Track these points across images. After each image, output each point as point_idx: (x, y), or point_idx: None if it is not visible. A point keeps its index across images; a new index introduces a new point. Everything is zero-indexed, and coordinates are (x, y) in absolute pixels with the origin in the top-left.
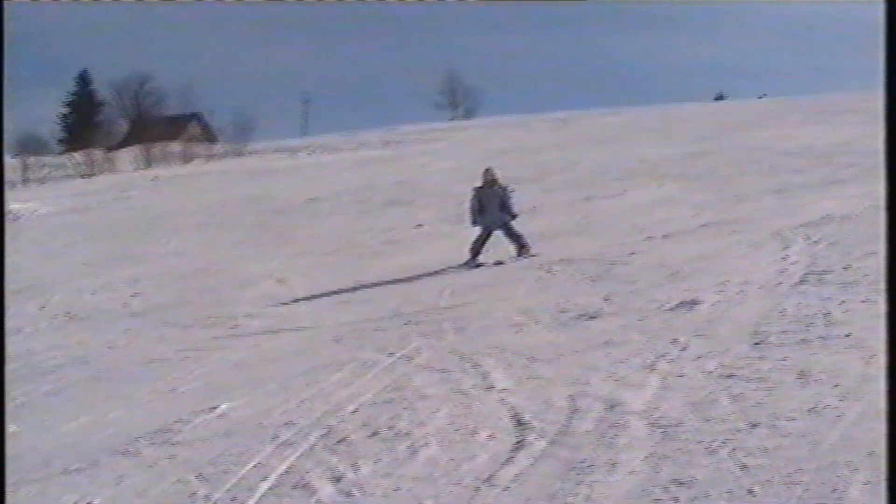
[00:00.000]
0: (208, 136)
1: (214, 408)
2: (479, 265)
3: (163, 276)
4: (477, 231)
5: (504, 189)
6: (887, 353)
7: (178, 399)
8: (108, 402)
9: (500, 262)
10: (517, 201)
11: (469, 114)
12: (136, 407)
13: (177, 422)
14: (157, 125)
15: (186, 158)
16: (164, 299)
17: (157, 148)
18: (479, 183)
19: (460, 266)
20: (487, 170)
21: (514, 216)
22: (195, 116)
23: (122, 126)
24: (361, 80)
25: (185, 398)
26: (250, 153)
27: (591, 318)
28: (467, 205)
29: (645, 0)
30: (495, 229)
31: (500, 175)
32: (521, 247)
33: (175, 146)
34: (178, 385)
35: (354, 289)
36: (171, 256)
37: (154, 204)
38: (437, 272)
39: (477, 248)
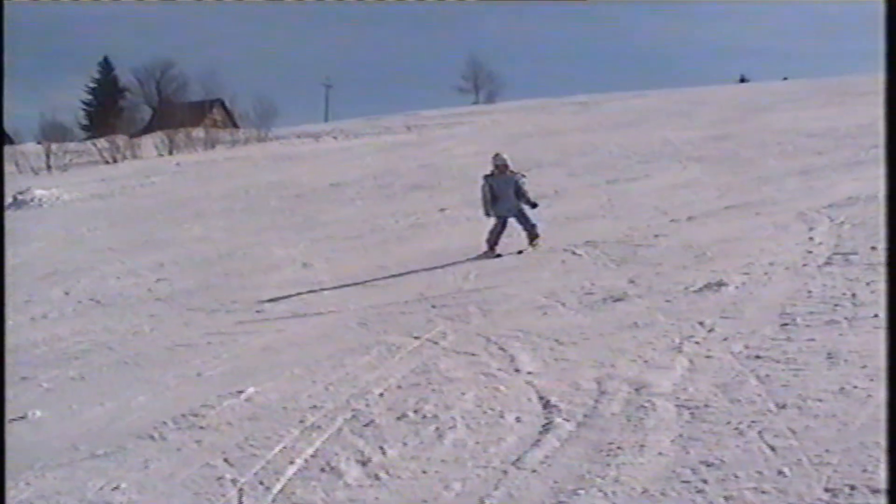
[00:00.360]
0: (231, 121)
1: (240, 392)
2: (498, 256)
3: (187, 262)
4: (491, 222)
5: (516, 174)
6: (887, 353)
7: (203, 383)
8: (134, 386)
9: (521, 252)
10: (530, 187)
11: (491, 98)
12: (161, 392)
13: (203, 406)
14: (180, 111)
15: (209, 144)
16: (188, 284)
17: (181, 134)
18: (488, 170)
19: (477, 258)
20: (497, 155)
21: (533, 204)
22: (218, 102)
23: (146, 112)
24: (384, 66)
25: (211, 382)
26: (273, 139)
27: (617, 300)
28: (479, 194)
29: None
30: (511, 217)
31: (511, 160)
32: (533, 237)
33: (198, 132)
34: (203, 370)
35: (379, 273)
36: (195, 242)
37: (177, 190)
38: (461, 256)
39: (493, 239)
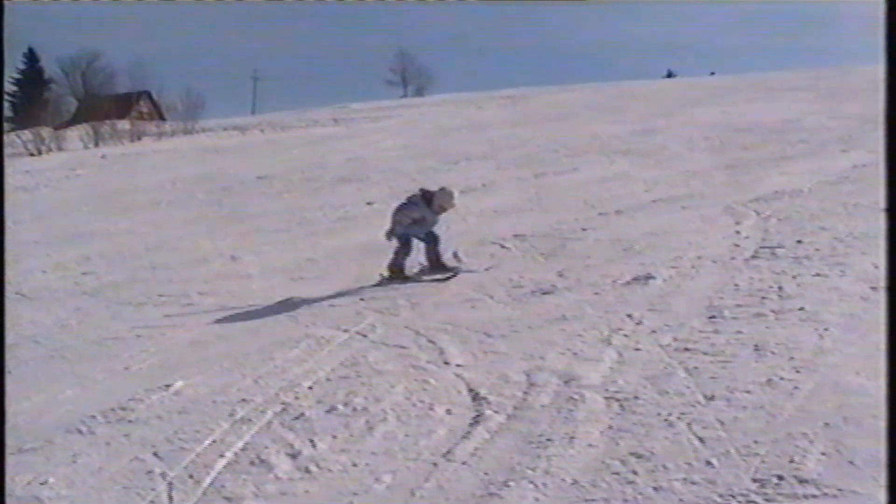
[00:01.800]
0: (158, 114)
1: (169, 385)
2: (406, 278)
3: (114, 255)
4: (392, 244)
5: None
6: (887, 353)
7: (132, 377)
8: (62, 380)
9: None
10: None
11: (420, 91)
12: (89, 385)
13: (131, 400)
14: (107, 103)
15: (136, 136)
16: (116, 278)
17: (107, 126)
18: (427, 193)
19: (374, 287)
20: (448, 193)
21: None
22: (145, 94)
23: (71, 104)
24: (312, 58)
25: (140, 376)
26: (200, 131)
27: (546, 293)
28: (399, 211)
29: None
30: (419, 237)
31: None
32: (438, 259)
33: (124, 124)
34: (131, 363)
35: (307, 266)
36: (122, 235)
37: (104, 182)
38: (389, 248)
39: (400, 261)
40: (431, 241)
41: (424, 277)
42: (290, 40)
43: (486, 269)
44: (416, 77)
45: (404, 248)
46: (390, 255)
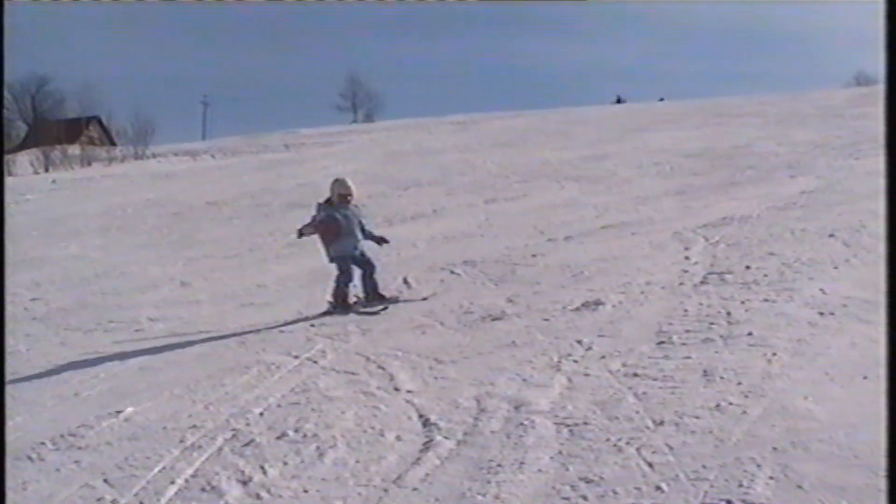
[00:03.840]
0: (108, 139)
1: (119, 412)
2: (351, 305)
3: (63, 280)
4: (330, 271)
5: (358, 207)
6: (887, 352)
7: (81, 404)
8: (10, 407)
9: (373, 310)
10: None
11: (370, 117)
12: (39, 412)
13: (81, 426)
14: (56, 128)
15: (86, 162)
16: (65, 303)
17: (57, 151)
18: (326, 198)
19: (315, 318)
20: (340, 181)
21: (382, 239)
22: (95, 119)
23: (21, 129)
24: (262, 84)
25: (89, 403)
26: (151, 156)
27: (496, 319)
28: (307, 224)
29: (543, 0)
30: (354, 257)
31: (356, 189)
32: (375, 289)
33: (75, 149)
34: (81, 389)
35: (257, 292)
36: (72, 260)
37: (53, 207)
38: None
39: (344, 290)
40: (368, 268)
41: (361, 309)
42: (240, 65)
43: (426, 299)
44: (365, 102)
45: (344, 276)
46: (331, 284)
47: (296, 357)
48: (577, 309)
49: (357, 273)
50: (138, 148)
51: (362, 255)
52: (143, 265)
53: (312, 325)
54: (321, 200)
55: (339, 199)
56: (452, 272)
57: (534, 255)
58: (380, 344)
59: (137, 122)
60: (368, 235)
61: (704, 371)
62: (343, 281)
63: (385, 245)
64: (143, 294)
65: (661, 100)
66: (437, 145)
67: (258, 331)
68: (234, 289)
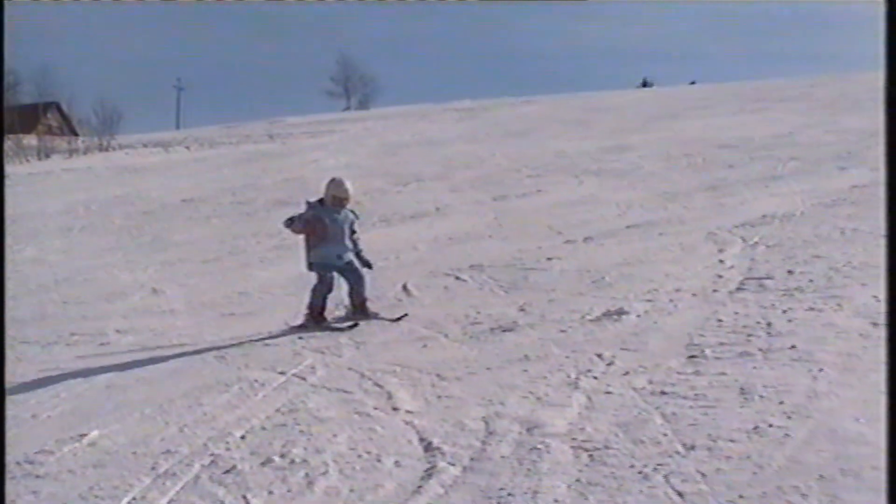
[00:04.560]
0: (69, 128)
1: (83, 435)
2: (324, 322)
3: (19, 288)
4: (312, 278)
5: (354, 213)
6: (887, 351)
7: (40, 426)
8: None
9: (353, 324)
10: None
11: (364, 103)
12: None
13: (40, 452)
14: (10, 116)
15: (44, 153)
16: (21, 314)
17: (10, 142)
18: (317, 197)
19: (293, 331)
20: (338, 181)
21: (367, 262)
22: (53, 106)
23: None
24: (243, 67)
25: (49, 425)
26: (118, 147)
27: (506, 330)
28: (295, 225)
29: None
30: (339, 267)
31: (353, 190)
32: (361, 301)
33: (31, 139)
34: (39, 411)
35: (239, 300)
36: (29, 264)
37: (7, 205)
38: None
39: (320, 302)
40: (354, 277)
41: (336, 325)
42: (219, 45)
43: (399, 318)
44: (359, 87)
45: (322, 286)
46: (307, 295)
47: (282, 373)
48: (598, 319)
49: (339, 284)
50: (103, 138)
51: (348, 264)
52: (109, 270)
53: (300, 338)
54: (312, 199)
55: (332, 201)
56: (457, 278)
57: (548, 259)
58: (376, 358)
59: (102, 109)
60: (355, 250)
61: (741, 389)
62: (320, 291)
63: (374, 259)
64: (110, 303)
65: (693, 83)
66: (440, 135)
67: (240, 344)
68: (212, 297)
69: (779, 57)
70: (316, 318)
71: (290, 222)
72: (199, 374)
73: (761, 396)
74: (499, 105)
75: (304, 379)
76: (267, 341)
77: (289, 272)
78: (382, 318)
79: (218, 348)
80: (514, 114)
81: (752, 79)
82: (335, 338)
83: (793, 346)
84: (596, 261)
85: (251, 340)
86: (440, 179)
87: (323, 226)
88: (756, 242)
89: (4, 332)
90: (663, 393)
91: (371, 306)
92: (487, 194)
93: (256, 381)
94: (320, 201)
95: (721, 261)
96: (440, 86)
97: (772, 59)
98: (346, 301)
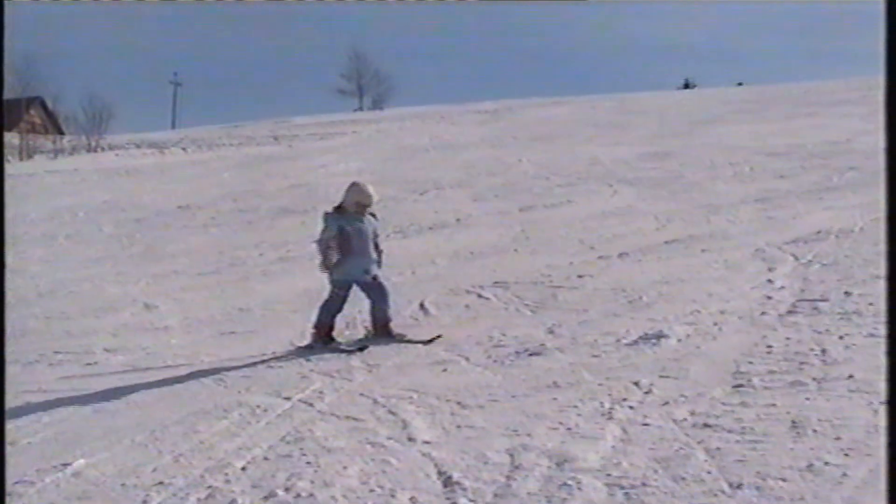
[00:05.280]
0: (54, 125)
1: (67, 465)
2: (332, 342)
3: None
4: (325, 291)
5: (375, 219)
6: (887, 352)
7: (20, 454)
8: None
9: (362, 348)
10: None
11: (378, 103)
12: None
13: (19, 483)
14: None
15: (27, 153)
16: None
17: None
18: (336, 204)
19: (299, 352)
20: (359, 186)
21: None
22: (37, 101)
23: None
24: (246, 61)
25: (30, 453)
26: (108, 148)
27: (533, 354)
28: (316, 241)
29: None
30: (362, 283)
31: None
32: (385, 322)
33: (12, 137)
34: (19, 437)
35: (239, 317)
36: (9, 275)
37: None
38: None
39: (329, 320)
40: (378, 294)
41: (345, 347)
42: (220, 37)
43: (431, 342)
44: (373, 85)
45: (334, 302)
46: (315, 312)
47: (287, 398)
48: (634, 343)
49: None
50: (92, 137)
51: (374, 277)
52: (97, 283)
53: (307, 360)
54: (329, 210)
55: (356, 208)
56: (480, 296)
57: (580, 276)
58: (390, 383)
59: (91, 106)
60: (379, 255)
61: (793, 422)
62: (330, 309)
63: (389, 274)
64: (98, 318)
65: (740, 84)
66: (461, 139)
67: (240, 365)
68: (210, 313)
69: (835, 56)
70: (324, 337)
71: (327, 265)
72: (196, 398)
73: (815, 431)
74: (525, 106)
75: (310, 405)
76: (270, 363)
77: (294, 287)
78: (410, 341)
79: (216, 370)
80: (542, 116)
81: (805, 80)
82: (345, 360)
83: (850, 376)
84: (632, 278)
85: (253, 362)
86: (461, 187)
87: (347, 238)
88: (809, 260)
89: (4, 333)
90: (707, 425)
91: (396, 327)
92: (513, 204)
93: (258, 406)
94: (338, 208)
95: (770, 280)
96: (461, 85)
97: (827, 59)
98: (367, 321)
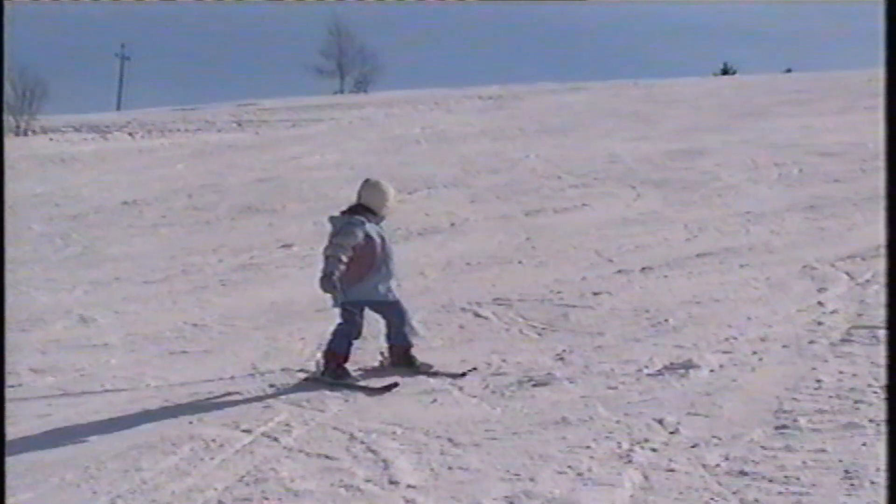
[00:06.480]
0: None
1: None
2: (351, 381)
3: None
4: (336, 313)
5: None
6: (888, 352)
7: None
8: None
9: (387, 386)
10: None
11: (362, 85)
12: None
13: None
14: None
15: None
16: None
17: None
18: (356, 203)
19: (297, 383)
20: (386, 188)
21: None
22: None
23: None
24: (205, 31)
25: None
26: (39, 131)
27: (539, 384)
28: (332, 248)
29: None
30: (381, 302)
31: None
32: (406, 348)
33: None
34: None
35: (193, 334)
36: None
37: None
38: (315, 312)
39: (347, 347)
40: (396, 315)
41: (360, 383)
42: (176, 4)
43: (465, 374)
44: (357, 64)
45: (349, 327)
46: (327, 337)
47: (247, 431)
48: (659, 373)
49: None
50: (21, 118)
51: (393, 298)
52: (23, 290)
53: (273, 386)
54: (344, 209)
55: (389, 212)
56: (477, 314)
57: (595, 294)
58: (370, 415)
59: (20, 82)
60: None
61: (846, 472)
62: (346, 334)
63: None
64: (24, 332)
65: (789, 71)
66: (459, 129)
67: (193, 391)
68: (158, 328)
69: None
70: (337, 369)
71: (335, 287)
72: (139, 428)
73: (872, 483)
74: (536, 92)
75: (275, 439)
76: (229, 389)
77: (259, 300)
78: (437, 373)
79: (163, 396)
80: (555, 104)
81: (865, 67)
82: (318, 387)
83: None
84: (657, 298)
85: (207, 387)
86: (457, 186)
87: (372, 250)
88: (867, 280)
89: (4, 334)
90: (743, 473)
91: (419, 355)
92: (517, 207)
93: (213, 440)
94: (354, 211)
95: (821, 303)
96: (460, 66)
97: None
98: (384, 347)
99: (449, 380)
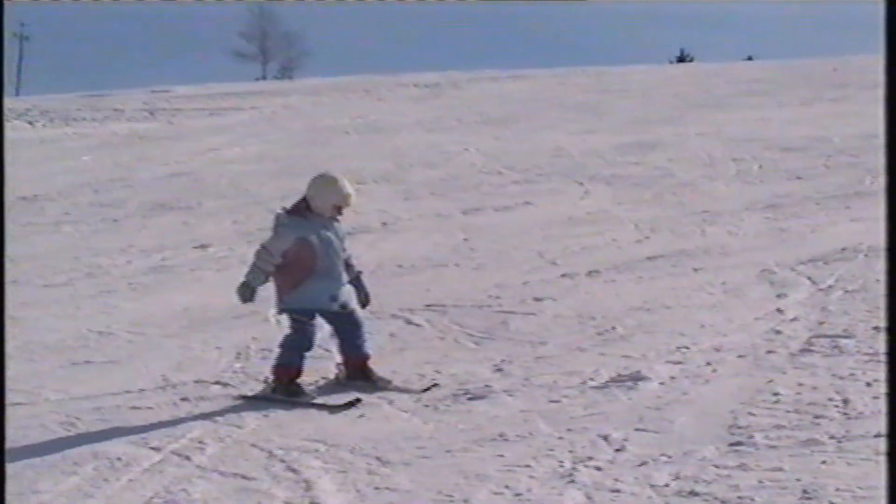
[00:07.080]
0: None
1: None
2: (309, 398)
3: None
4: (284, 323)
5: (342, 226)
6: (888, 352)
7: None
8: None
9: (351, 401)
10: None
11: (287, 71)
12: None
13: None
14: None
15: None
16: None
17: None
18: (297, 202)
19: (241, 400)
20: (334, 179)
21: (366, 297)
22: None
23: None
24: (114, 10)
25: None
26: None
27: (475, 398)
28: (259, 250)
29: None
30: (334, 311)
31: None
32: (363, 360)
33: None
34: None
35: (98, 343)
36: None
37: None
38: (233, 318)
39: (299, 364)
40: (350, 328)
41: (316, 400)
42: None
43: (428, 389)
44: (281, 48)
45: (300, 337)
46: (275, 350)
47: (156, 449)
48: (605, 385)
49: (319, 335)
50: None
51: (344, 307)
52: None
53: (185, 399)
54: (286, 207)
55: (331, 210)
56: (409, 321)
57: (537, 299)
58: (291, 431)
59: None
60: (353, 277)
61: (804, 491)
62: (296, 346)
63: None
64: None
65: (750, 59)
66: (391, 119)
67: (97, 405)
68: (59, 336)
69: (870, 27)
70: (289, 385)
71: (251, 292)
72: (37, 446)
73: (832, 503)
74: (476, 80)
75: (187, 458)
76: (136, 402)
77: (171, 305)
78: (397, 389)
79: (64, 410)
80: (496, 93)
81: (830, 55)
82: (234, 400)
83: (877, 434)
84: (604, 304)
85: (114, 400)
86: (389, 181)
87: (311, 253)
88: (830, 286)
89: (4, 334)
90: (694, 493)
91: (377, 368)
92: (454, 205)
93: (119, 458)
94: (297, 209)
95: (780, 310)
96: (393, 51)
97: (860, 29)
98: (339, 359)
99: (378, 393)
